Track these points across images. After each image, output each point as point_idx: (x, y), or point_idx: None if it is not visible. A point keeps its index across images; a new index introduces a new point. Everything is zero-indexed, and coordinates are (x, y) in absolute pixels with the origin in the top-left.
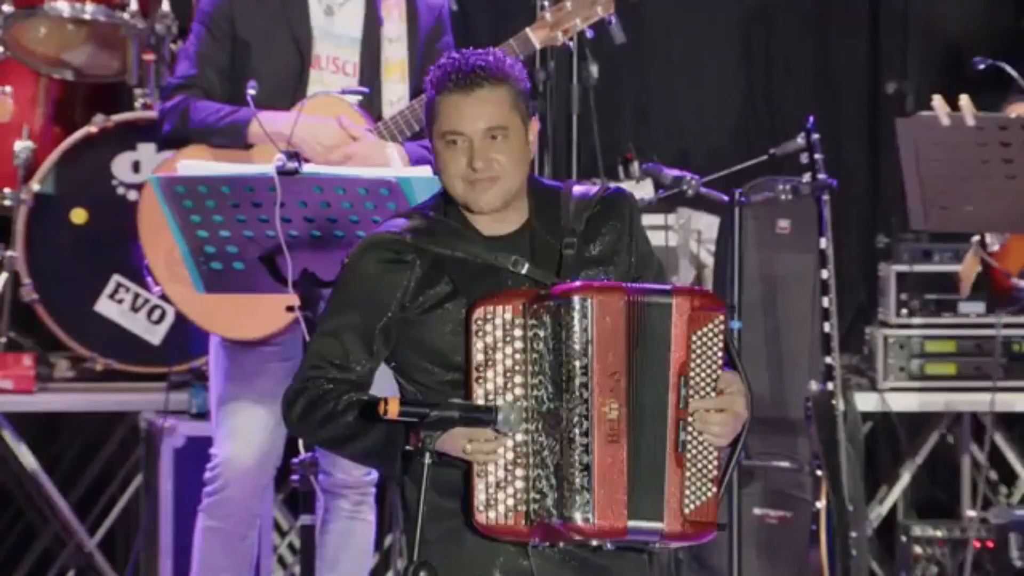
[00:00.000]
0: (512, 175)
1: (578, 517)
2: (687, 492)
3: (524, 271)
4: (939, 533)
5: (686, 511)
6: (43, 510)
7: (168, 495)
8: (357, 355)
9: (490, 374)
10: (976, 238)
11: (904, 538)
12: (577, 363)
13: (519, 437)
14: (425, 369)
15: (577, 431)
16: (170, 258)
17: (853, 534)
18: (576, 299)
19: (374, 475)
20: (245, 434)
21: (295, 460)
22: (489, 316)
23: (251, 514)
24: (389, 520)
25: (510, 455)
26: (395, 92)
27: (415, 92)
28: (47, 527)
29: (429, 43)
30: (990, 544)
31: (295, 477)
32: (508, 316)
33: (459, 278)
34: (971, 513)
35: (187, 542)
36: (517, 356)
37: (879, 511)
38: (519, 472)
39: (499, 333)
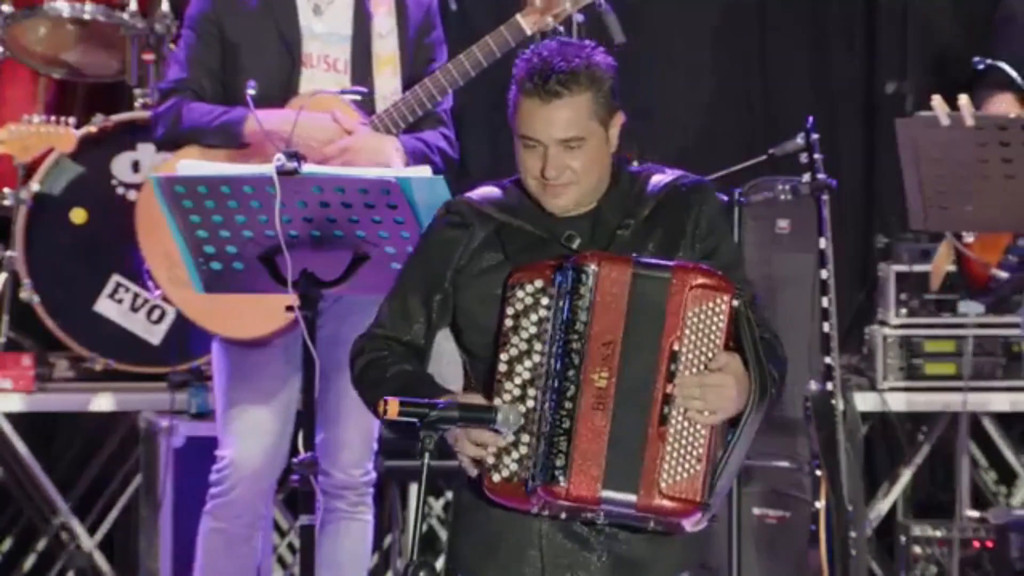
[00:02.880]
0: (586, 180)
1: (553, 481)
2: (666, 466)
3: (575, 246)
4: (939, 533)
5: (662, 484)
6: (43, 510)
7: (168, 495)
8: (416, 318)
9: (515, 340)
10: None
11: (904, 538)
12: (575, 329)
13: (529, 404)
14: (470, 333)
15: (565, 397)
16: (170, 259)
17: (852, 534)
18: (584, 266)
19: (372, 475)
20: (252, 435)
21: (295, 460)
22: (522, 284)
23: (256, 515)
24: (389, 520)
25: (521, 420)
26: (388, 87)
27: (407, 85)
28: (47, 527)
29: (419, 38)
30: (990, 544)
31: (295, 477)
32: (539, 284)
33: (511, 248)
34: (971, 513)
35: (187, 542)
36: (541, 324)
37: (878, 511)
38: (525, 438)
39: (529, 301)
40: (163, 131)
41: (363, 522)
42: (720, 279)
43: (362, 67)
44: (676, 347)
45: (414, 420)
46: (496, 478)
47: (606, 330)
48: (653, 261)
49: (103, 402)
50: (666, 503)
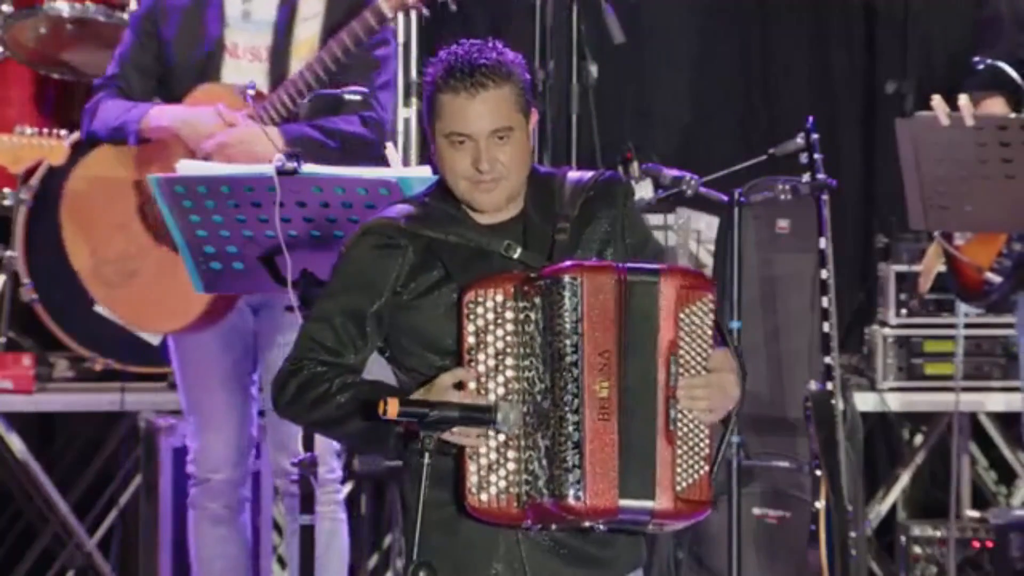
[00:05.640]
0: (516, 174)
1: (569, 496)
2: (679, 470)
3: (516, 256)
4: (939, 533)
5: (678, 489)
6: (43, 510)
7: (167, 495)
8: (349, 340)
9: (481, 356)
10: (939, 232)
11: (903, 538)
12: (567, 342)
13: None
14: (418, 355)
15: (568, 410)
16: (95, 258)
17: (852, 534)
18: (566, 278)
19: (338, 473)
20: (210, 429)
21: (295, 460)
22: (480, 299)
23: (237, 498)
24: (388, 520)
25: (502, 437)
26: None
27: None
28: (47, 527)
29: (349, 20)
30: (990, 544)
31: (295, 477)
32: (500, 299)
33: (451, 263)
34: (971, 513)
35: (187, 542)
36: (508, 338)
37: (878, 511)
38: (511, 454)
39: (490, 316)
40: (85, 128)
41: (336, 521)
42: (701, 277)
43: (281, 52)
44: (674, 350)
45: (414, 419)
46: (484, 497)
47: (600, 340)
48: (635, 265)
49: (103, 402)
50: (682, 506)
